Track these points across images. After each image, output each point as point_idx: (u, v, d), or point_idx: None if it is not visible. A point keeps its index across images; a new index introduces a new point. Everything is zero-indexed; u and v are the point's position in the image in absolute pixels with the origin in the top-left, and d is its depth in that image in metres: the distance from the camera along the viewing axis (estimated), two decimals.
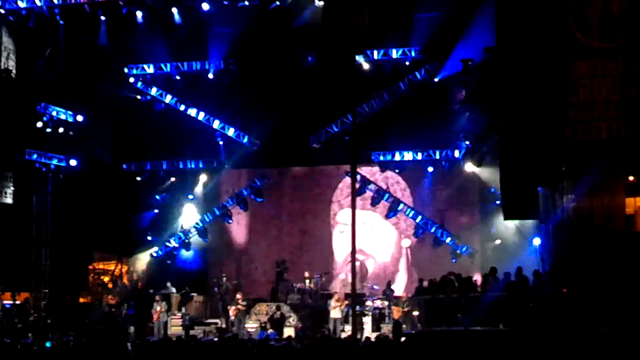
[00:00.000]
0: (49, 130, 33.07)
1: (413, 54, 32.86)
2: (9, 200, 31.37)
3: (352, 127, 25.99)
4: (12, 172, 31.77)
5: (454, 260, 32.82)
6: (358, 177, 32.60)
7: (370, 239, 33.94)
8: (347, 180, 33.76)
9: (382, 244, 34.40)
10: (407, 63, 33.09)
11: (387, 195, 33.98)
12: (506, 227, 31.09)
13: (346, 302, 28.74)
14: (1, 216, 31.02)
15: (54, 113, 33.15)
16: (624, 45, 24.10)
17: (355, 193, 29.62)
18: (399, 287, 31.98)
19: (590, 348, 18.47)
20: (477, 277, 28.60)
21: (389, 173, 34.34)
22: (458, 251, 33.10)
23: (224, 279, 32.23)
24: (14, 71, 31.86)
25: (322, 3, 30.76)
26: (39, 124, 32.67)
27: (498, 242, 31.97)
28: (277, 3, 31.63)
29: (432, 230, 33.43)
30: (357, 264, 26.85)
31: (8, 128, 31.12)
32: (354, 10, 23.61)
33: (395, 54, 32.99)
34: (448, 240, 33.24)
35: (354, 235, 21.24)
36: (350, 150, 29.63)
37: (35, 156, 32.43)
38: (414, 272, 33.10)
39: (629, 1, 24.13)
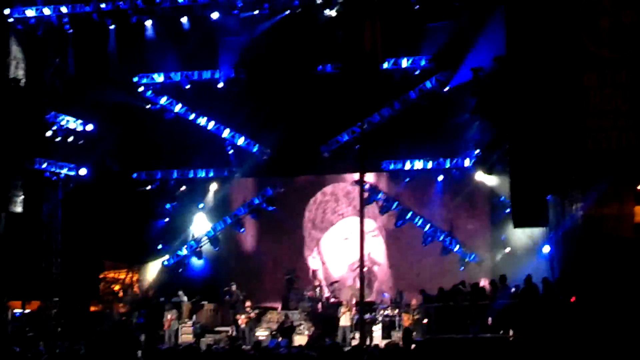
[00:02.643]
0: (58, 139, 33.16)
1: (423, 63, 32.90)
2: (19, 209, 31.45)
3: (361, 136, 26.01)
4: (22, 181, 31.84)
5: (462, 268, 32.82)
6: (367, 186, 32.69)
7: (375, 246, 33.85)
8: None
9: (387, 257, 34.39)
10: (417, 72, 33.14)
11: (395, 204, 33.97)
12: (516, 235, 31.08)
13: (355, 310, 28.79)
14: (11, 225, 31.04)
15: (63, 122, 33.24)
16: (634, 56, 24.16)
17: (364, 202, 29.90)
18: (408, 296, 31.83)
19: (599, 356, 18.49)
20: (486, 285, 28.60)
21: (398, 181, 34.31)
22: (466, 259, 33.07)
23: (234, 287, 32.25)
24: (23, 80, 31.91)
25: (333, 12, 30.84)
26: (49, 133, 32.84)
27: (507, 250, 31.94)
28: (288, 12, 31.77)
29: (441, 238, 33.42)
30: (365, 269, 27.01)
31: (18, 137, 31.20)
32: (367, 19, 23.70)
33: (405, 63, 33.04)
34: (456, 248, 33.23)
35: (362, 243, 21.31)
36: (359, 159, 29.77)
37: (45, 165, 32.50)
38: (419, 282, 32.99)
39: (639, 12, 24.20)
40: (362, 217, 21.99)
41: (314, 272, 33.83)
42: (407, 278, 33.50)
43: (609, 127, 24.16)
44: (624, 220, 24.29)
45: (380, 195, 34.02)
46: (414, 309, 28.86)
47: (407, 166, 33.81)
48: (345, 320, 28.95)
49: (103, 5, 32.02)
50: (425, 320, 27.30)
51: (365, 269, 29.40)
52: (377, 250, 34.27)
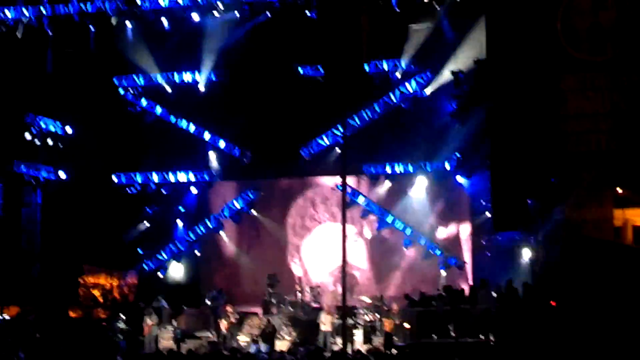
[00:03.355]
0: (37, 142, 32.95)
1: (404, 65, 32.86)
2: None
3: (342, 139, 25.92)
4: (1, 184, 31.70)
5: (443, 272, 32.80)
6: (348, 189, 32.63)
7: (355, 251, 33.83)
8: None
9: (367, 261, 34.41)
10: (398, 75, 33.09)
11: (376, 207, 33.93)
12: (496, 238, 31.12)
13: (336, 315, 28.75)
14: None
15: (42, 124, 33.05)
16: (613, 59, 24.25)
17: (345, 206, 29.88)
18: (389, 301, 31.82)
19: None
20: (466, 289, 28.61)
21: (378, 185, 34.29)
22: (447, 263, 33.05)
23: (215, 291, 32.14)
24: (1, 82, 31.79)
25: (312, 15, 30.83)
26: (28, 136, 32.56)
27: (488, 254, 31.96)
28: (268, 14, 31.72)
29: (422, 242, 33.39)
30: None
31: None
32: (351, 21, 23.78)
33: (386, 65, 33.03)
34: (437, 252, 33.21)
35: (344, 248, 21.30)
36: (341, 162, 29.78)
37: (24, 168, 32.30)
38: (400, 286, 33.02)
39: (617, 14, 24.26)
40: (344, 220, 22.04)
41: (299, 278, 33.69)
42: (388, 282, 33.55)
43: (588, 130, 24.27)
44: (604, 223, 24.40)
45: (360, 199, 33.94)
46: (395, 314, 28.85)
47: (388, 169, 33.71)
48: (326, 325, 28.89)
49: (83, 7, 31.83)
50: (406, 325, 27.31)
51: (348, 275, 29.64)
52: (358, 255, 34.20)
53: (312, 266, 34.94)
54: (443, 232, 33.61)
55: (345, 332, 20.65)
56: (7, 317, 30.66)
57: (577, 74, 24.49)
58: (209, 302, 31.56)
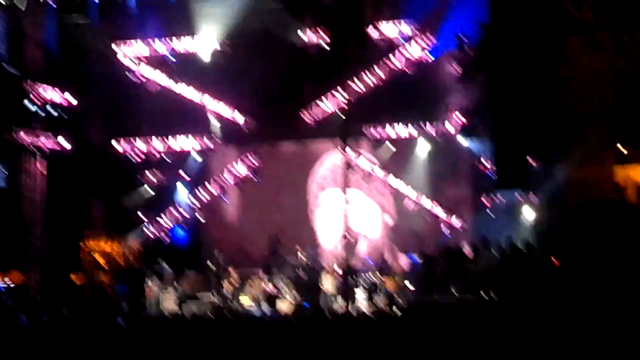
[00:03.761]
0: (39, 110, 32.90)
1: (406, 29, 32.72)
2: (1, 182, 31.37)
3: (346, 103, 25.84)
4: (3, 153, 31.70)
5: (445, 233, 32.84)
6: (351, 153, 32.62)
7: (356, 217, 33.76)
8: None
9: (369, 222, 34.32)
10: (401, 38, 32.94)
11: (379, 169, 33.90)
12: (498, 198, 31.07)
13: (339, 276, 28.81)
14: None
15: (45, 93, 32.97)
16: (615, 18, 24.16)
17: (347, 169, 29.89)
18: (390, 262, 31.86)
19: (583, 319, 18.47)
20: (469, 249, 28.60)
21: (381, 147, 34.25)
22: (450, 223, 33.05)
23: (217, 254, 32.20)
24: (4, 52, 31.70)
25: None
26: (30, 105, 32.52)
27: (489, 213, 31.92)
28: None
29: (425, 203, 33.38)
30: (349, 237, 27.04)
31: None
32: None
33: (389, 29, 32.83)
34: (440, 212, 33.20)
35: (345, 210, 21.38)
36: (343, 125, 29.77)
37: (26, 137, 32.26)
38: (402, 248, 33.02)
39: None
40: (345, 181, 22.09)
41: (301, 240, 33.69)
42: (391, 244, 33.58)
43: (590, 90, 24.22)
44: (606, 182, 24.43)
45: (363, 162, 33.89)
46: (397, 274, 28.88)
47: (390, 132, 33.63)
48: (328, 286, 28.94)
49: None
50: (409, 285, 27.35)
51: (349, 237, 29.67)
52: (362, 218, 34.20)
53: (315, 230, 34.99)
54: (445, 193, 33.57)
55: (347, 293, 20.75)
56: (10, 283, 30.79)
57: (579, 34, 24.38)
58: (211, 265, 31.62)
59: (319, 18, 32.58)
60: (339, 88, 32.23)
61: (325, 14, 31.88)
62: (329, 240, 34.00)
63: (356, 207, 33.73)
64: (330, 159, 34.48)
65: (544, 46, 24.54)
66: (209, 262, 31.87)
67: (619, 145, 24.96)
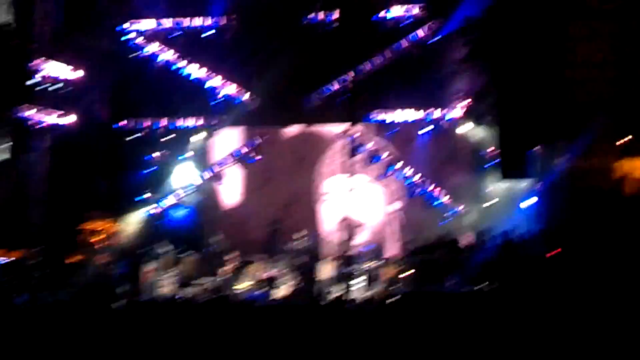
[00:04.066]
0: (45, 86, 32.85)
1: (413, 11, 32.49)
2: (4, 156, 31.36)
3: (351, 85, 25.64)
4: (8, 128, 31.69)
5: (445, 221, 32.59)
6: (355, 136, 32.52)
7: (359, 204, 33.59)
8: (339, 143, 33.68)
9: (371, 209, 34.10)
10: (408, 21, 32.67)
11: (383, 154, 33.71)
12: (500, 187, 30.89)
13: (337, 263, 28.75)
14: None
15: (51, 69, 32.88)
16: (622, 6, 23.96)
17: (350, 154, 29.79)
18: (389, 250, 31.80)
19: (582, 309, 18.40)
20: (469, 238, 28.50)
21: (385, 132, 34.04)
22: (451, 212, 32.85)
23: (217, 238, 32.14)
24: (13, 25, 31.67)
25: None
26: (36, 80, 32.46)
27: (490, 203, 31.72)
28: None
29: (425, 191, 33.17)
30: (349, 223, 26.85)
31: (4, 83, 31.03)
32: None
33: (395, 11, 32.60)
34: (440, 201, 32.99)
35: (348, 196, 21.30)
36: (348, 109, 29.62)
37: (32, 112, 32.22)
38: (401, 235, 32.85)
39: None
40: (350, 166, 21.97)
41: (301, 225, 33.62)
42: (389, 231, 33.43)
43: (596, 79, 24.10)
44: (609, 173, 24.31)
45: (367, 146, 33.71)
46: (394, 263, 28.79)
47: (395, 117, 33.41)
48: (325, 273, 28.85)
49: None
50: (406, 274, 27.29)
51: (349, 223, 29.60)
52: (365, 203, 34.02)
53: (316, 214, 34.76)
54: (447, 181, 33.30)
55: (346, 280, 20.67)
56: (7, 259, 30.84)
57: (586, 22, 24.19)
58: (209, 249, 31.58)
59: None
60: (345, 70, 32.10)
61: None
62: (331, 225, 33.87)
63: (360, 192, 33.63)
64: (337, 143, 34.27)
65: (548, 32, 24.40)
66: (208, 247, 31.82)
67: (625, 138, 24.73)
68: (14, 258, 31.03)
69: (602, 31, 23.85)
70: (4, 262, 30.68)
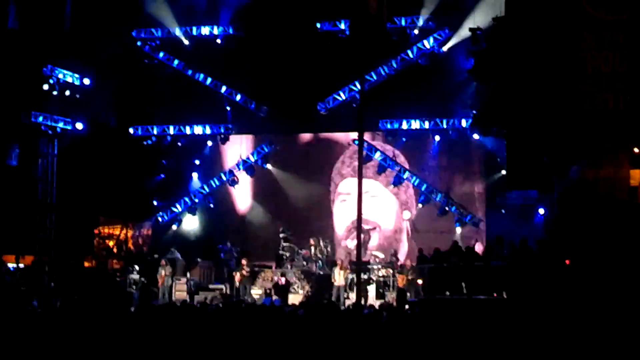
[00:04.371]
0: (55, 92, 32.96)
1: (422, 22, 32.75)
2: (14, 162, 31.41)
3: (359, 95, 25.74)
4: (18, 134, 31.77)
5: (458, 229, 32.89)
6: (365, 145, 32.63)
7: (372, 208, 33.82)
8: (351, 149, 33.84)
9: (384, 213, 34.34)
10: (416, 31, 32.99)
11: (392, 163, 33.91)
12: (511, 196, 31.09)
13: (350, 269, 28.88)
14: (6, 179, 31.02)
15: (60, 75, 33.02)
16: (631, 17, 24.06)
17: (361, 162, 29.87)
18: (402, 257, 31.96)
19: (593, 317, 18.50)
20: (481, 247, 28.64)
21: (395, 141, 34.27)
22: (462, 220, 33.11)
23: (229, 244, 32.31)
24: (20, 33, 31.73)
25: None
26: (46, 86, 32.57)
27: (502, 211, 31.93)
28: None
29: (437, 198, 33.42)
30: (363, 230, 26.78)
31: (14, 90, 31.10)
32: None
33: (404, 21, 32.90)
34: (453, 209, 33.24)
35: (360, 203, 21.36)
36: (357, 118, 29.72)
37: (41, 119, 32.36)
38: (415, 243, 33.07)
39: None
40: (360, 175, 22.10)
41: (313, 232, 33.77)
42: (402, 238, 33.64)
43: (605, 89, 24.10)
44: (619, 182, 24.32)
45: (377, 155, 33.91)
46: (408, 270, 28.93)
47: (404, 126, 33.69)
48: (339, 279, 29.05)
49: None
50: (419, 281, 27.40)
51: (363, 230, 29.65)
52: (375, 211, 34.26)
53: (329, 221, 34.99)
54: (458, 189, 33.57)
55: (359, 287, 20.81)
56: (22, 266, 30.92)
57: (595, 33, 24.24)
58: (222, 255, 31.72)
59: (337, 8, 32.54)
60: (354, 80, 32.27)
61: (344, 4, 31.81)
62: (344, 232, 34.06)
63: (373, 200, 33.85)
64: (348, 151, 34.45)
65: (557, 43, 24.44)
66: (220, 253, 31.96)
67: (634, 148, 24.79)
68: (23, 265, 31.17)
69: (610, 41, 23.96)
70: (15, 267, 30.80)
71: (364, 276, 28.91)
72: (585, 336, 16.63)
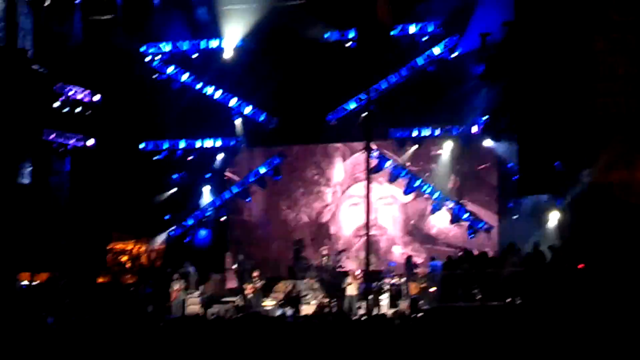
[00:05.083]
0: (66, 109, 33.03)
1: (431, 29, 32.66)
2: (26, 180, 31.42)
3: (367, 104, 25.74)
4: (30, 152, 31.80)
5: (471, 236, 32.70)
6: (375, 153, 32.58)
7: (385, 213, 33.67)
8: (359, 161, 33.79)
9: (394, 225, 34.23)
10: (425, 38, 32.89)
11: (404, 172, 33.79)
12: (524, 202, 30.91)
13: (362, 279, 28.76)
14: (19, 196, 31.02)
15: (71, 92, 33.08)
16: None
17: (372, 169, 29.81)
18: (415, 264, 31.78)
19: (606, 322, 18.35)
20: (494, 253, 28.49)
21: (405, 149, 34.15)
22: (475, 227, 32.92)
23: (242, 257, 32.24)
24: (30, 51, 31.77)
25: None
26: (56, 104, 32.65)
27: (515, 217, 31.75)
28: None
29: (450, 206, 33.24)
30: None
31: (25, 108, 31.12)
32: None
33: (413, 29, 32.81)
34: (465, 216, 33.05)
35: (368, 212, 21.32)
36: (366, 127, 29.68)
37: (52, 136, 32.43)
38: (426, 250, 33.00)
39: None
40: (368, 185, 22.07)
41: (325, 243, 33.71)
42: (415, 246, 33.53)
43: (618, 92, 23.94)
44: (633, 186, 24.14)
45: (388, 163, 33.80)
46: (421, 277, 28.81)
47: (415, 134, 33.57)
48: (351, 289, 28.88)
49: None
50: (432, 289, 27.27)
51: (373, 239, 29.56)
52: (388, 218, 34.14)
53: (340, 231, 34.87)
54: (470, 196, 33.39)
55: (368, 296, 20.70)
56: (36, 282, 30.93)
57: (607, 36, 24.08)
58: (235, 267, 31.62)
59: (344, 18, 32.51)
60: (363, 89, 32.18)
61: (350, 14, 31.78)
62: (356, 242, 33.93)
63: (384, 208, 33.76)
64: (358, 160, 34.36)
65: (569, 46, 24.28)
66: (233, 266, 31.90)
67: None
68: (38, 281, 31.20)
69: (623, 44, 23.76)
70: (27, 284, 30.82)
71: (376, 285, 28.80)
72: (599, 341, 16.49)
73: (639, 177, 24.36)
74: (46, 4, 32.22)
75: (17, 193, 30.88)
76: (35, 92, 31.58)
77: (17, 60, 31.14)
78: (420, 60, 33.12)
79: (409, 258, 31.24)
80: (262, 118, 35.19)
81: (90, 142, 33.63)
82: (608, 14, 24.05)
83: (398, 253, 33.43)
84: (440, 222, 33.62)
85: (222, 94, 35.29)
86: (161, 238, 35.64)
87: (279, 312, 27.75)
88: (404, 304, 28.39)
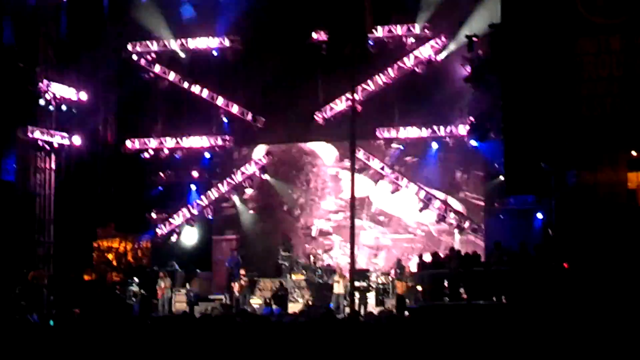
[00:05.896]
0: (52, 107, 32.98)
1: (418, 30, 32.79)
2: (11, 177, 31.40)
3: (353, 104, 25.79)
4: (15, 149, 31.78)
5: (457, 236, 32.81)
6: (361, 154, 32.63)
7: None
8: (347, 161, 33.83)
9: (382, 224, 34.38)
10: (412, 39, 33.05)
11: (390, 171, 33.87)
12: (509, 202, 31.06)
13: (350, 277, 28.79)
14: (3, 194, 30.98)
15: (57, 90, 33.01)
16: (627, 22, 24.07)
17: (359, 170, 29.92)
18: (402, 264, 31.84)
19: (591, 321, 18.46)
20: (481, 252, 28.59)
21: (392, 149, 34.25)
22: (461, 226, 33.04)
23: (233, 255, 32.25)
24: (16, 48, 31.79)
25: None
26: (42, 101, 32.60)
27: (501, 217, 31.91)
28: None
29: (436, 206, 33.36)
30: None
31: (10, 105, 31.11)
32: None
33: (400, 30, 32.95)
34: (452, 215, 33.19)
35: (352, 209, 21.39)
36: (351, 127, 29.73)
37: (37, 133, 32.34)
38: (414, 249, 33.11)
39: None
40: (352, 186, 22.15)
41: (312, 242, 33.77)
42: (400, 245, 33.65)
43: (603, 94, 24.10)
44: (617, 186, 24.31)
45: (375, 164, 33.85)
46: (407, 276, 28.89)
47: (402, 134, 33.66)
48: (338, 288, 28.96)
49: None
50: (419, 288, 27.35)
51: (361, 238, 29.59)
52: (374, 218, 34.28)
53: (328, 230, 34.83)
54: (456, 196, 33.51)
55: (353, 294, 20.71)
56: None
57: (592, 38, 24.25)
58: (227, 266, 31.50)
59: (331, 19, 32.56)
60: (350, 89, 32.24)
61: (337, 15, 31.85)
62: (344, 241, 33.98)
63: (371, 208, 33.83)
64: (346, 160, 34.41)
65: (554, 48, 24.45)
66: (226, 264, 31.89)
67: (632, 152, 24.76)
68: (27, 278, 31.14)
69: (608, 46, 23.96)
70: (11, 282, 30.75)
71: (364, 284, 28.90)
72: (585, 339, 16.58)
73: (623, 177, 24.56)
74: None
75: (2, 190, 30.88)
76: (21, 89, 31.59)
77: (2, 56, 31.17)
78: (407, 61, 33.23)
79: (398, 260, 31.34)
80: (249, 117, 35.17)
81: (76, 140, 33.50)
82: (592, 17, 24.20)
83: (385, 253, 33.61)
84: (425, 221, 33.79)
85: (209, 92, 35.30)
86: (148, 236, 35.66)
87: (265, 310, 27.77)
88: (390, 302, 28.51)
